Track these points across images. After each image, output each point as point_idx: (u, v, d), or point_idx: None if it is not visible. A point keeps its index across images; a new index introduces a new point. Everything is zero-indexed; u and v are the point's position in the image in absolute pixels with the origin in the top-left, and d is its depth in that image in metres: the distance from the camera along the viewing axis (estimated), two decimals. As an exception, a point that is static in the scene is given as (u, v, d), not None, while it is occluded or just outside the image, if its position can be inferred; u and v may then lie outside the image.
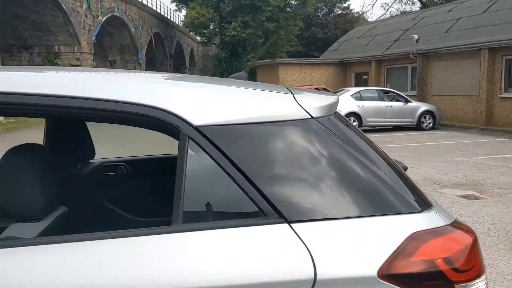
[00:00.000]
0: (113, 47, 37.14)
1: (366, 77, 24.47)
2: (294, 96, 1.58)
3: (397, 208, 1.43)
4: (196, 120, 1.45)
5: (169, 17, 48.96)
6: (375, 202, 1.44)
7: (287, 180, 1.43)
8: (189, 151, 1.43)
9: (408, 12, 40.41)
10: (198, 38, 50.54)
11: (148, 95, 1.49)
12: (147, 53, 39.88)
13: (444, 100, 19.24)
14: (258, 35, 37.91)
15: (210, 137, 1.43)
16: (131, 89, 1.53)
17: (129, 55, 37.59)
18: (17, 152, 1.71)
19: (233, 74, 2.17)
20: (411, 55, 20.57)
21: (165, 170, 2.96)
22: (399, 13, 43.65)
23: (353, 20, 49.03)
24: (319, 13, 50.62)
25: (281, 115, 1.51)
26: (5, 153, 1.69)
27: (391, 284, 1.31)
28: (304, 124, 1.51)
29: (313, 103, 1.57)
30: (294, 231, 1.35)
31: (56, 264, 1.32)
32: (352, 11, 51.85)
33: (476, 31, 18.93)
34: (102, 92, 1.49)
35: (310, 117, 1.52)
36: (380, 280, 1.31)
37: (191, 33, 49.14)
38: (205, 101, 1.52)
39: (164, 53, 46.94)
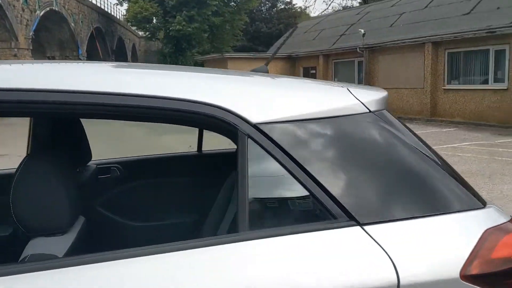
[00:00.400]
0: (51, 43, 35.53)
1: (314, 71, 24.77)
2: (349, 90, 1.51)
3: (464, 205, 1.39)
4: (254, 117, 1.35)
5: (109, 11, 47.51)
6: (442, 200, 1.39)
7: (353, 179, 1.36)
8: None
9: (351, 7, 41.26)
10: (141, 33, 49.42)
11: (201, 92, 1.37)
12: (88, 48, 38.50)
13: (391, 93, 19.49)
14: (204, 30, 37.52)
15: (270, 135, 1.34)
16: (182, 85, 1.40)
17: (69, 51, 36.10)
18: (37, 158, 1.54)
19: (254, 68, 2.07)
20: (357, 49, 21.00)
21: (162, 171, 2.82)
22: (341, 8, 44.55)
23: (296, 15, 49.64)
24: (263, 8, 50.82)
25: (340, 110, 1.43)
26: (23, 161, 1.51)
27: (473, 285, 1.26)
28: (363, 119, 1.44)
29: (368, 97, 1.50)
30: (369, 234, 1.27)
31: (131, 283, 1.18)
32: (295, 6, 52.51)
33: (419, 25, 19.58)
34: (147, 89, 1.36)
35: (368, 111, 1.45)
36: (463, 281, 1.26)
37: (133, 27, 47.99)
38: (261, 97, 1.43)
39: (106, 49, 45.51)
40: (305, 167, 1.32)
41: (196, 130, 2.68)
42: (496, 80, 16.10)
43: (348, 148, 1.40)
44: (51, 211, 1.50)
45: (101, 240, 1.44)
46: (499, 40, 15.58)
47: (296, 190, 1.33)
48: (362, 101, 1.46)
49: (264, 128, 1.34)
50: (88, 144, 2.49)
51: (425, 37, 18.11)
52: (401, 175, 1.39)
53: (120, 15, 51.21)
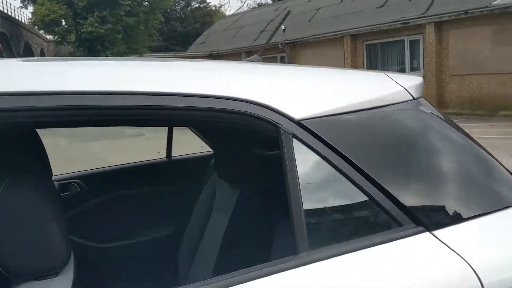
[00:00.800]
0: (-51, 50, 32.63)
1: (236, 68, 24.66)
2: (388, 75, 1.35)
3: None
4: (297, 113, 1.14)
5: (13, 15, 44.52)
6: (500, 193, 1.27)
7: (415, 177, 1.20)
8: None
9: (266, 4, 41.66)
10: (49, 37, 46.79)
11: (234, 87, 1.15)
12: (-8, 55, 35.76)
13: (314, 86, 20.14)
14: (117, 31, 36.16)
15: (317, 132, 1.14)
16: (209, 80, 1.16)
17: (-29, 59, 33.39)
18: (21, 182, 1.22)
19: (246, 58, 1.87)
20: (279, 45, 21.17)
21: (129, 182, 2.52)
22: (256, 5, 44.86)
23: (211, 13, 49.30)
24: (177, 7, 49.97)
25: (386, 98, 1.27)
26: (2, 186, 1.19)
27: None
28: (410, 107, 1.29)
29: (409, 82, 1.35)
30: (440, 240, 1.13)
31: None
32: (210, 4, 52.20)
33: (337, 19, 20.08)
34: (165, 87, 1.11)
35: (412, 98, 1.31)
36: None
37: (41, 31, 45.30)
38: (300, 89, 1.23)
39: (12, 54, 42.59)
40: (361, 167, 1.14)
41: (132, 134, 2.44)
42: (412, 68, 16.86)
43: (403, 142, 1.24)
44: (41, 246, 1.20)
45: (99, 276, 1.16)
46: (412, 31, 16.30)
47: (353, 196, 1.15)
48: (405, 87, 1.30)
49: (310, 125, 1.14)
50: (47, 157, 2.14)
51: (343, 30, 18.58)
52: (461, 169, 1.25)
53: (26, 19, 48.18)
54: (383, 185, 1.13)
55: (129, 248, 2.41)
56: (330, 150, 1.13)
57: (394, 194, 1.13)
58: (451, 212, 1.19)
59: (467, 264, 1.10)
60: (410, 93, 1.31)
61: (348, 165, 1.13)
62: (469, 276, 1.09)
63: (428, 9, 16.17)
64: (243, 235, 1.91)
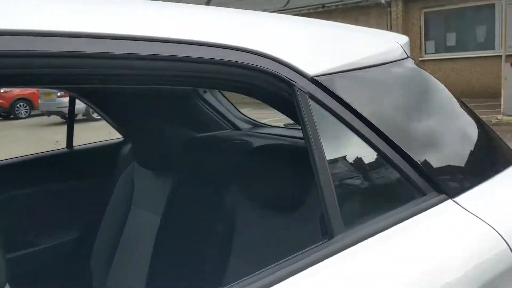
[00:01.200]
0: None
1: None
2: (386, 32, 1.33)
3: None
4: (311, 68, 0.96)
5: None
6: (503, 153, 1.28)
7: (429, 140, 1.11)
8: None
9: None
10: None
11: (243, 38, 0.92)
12: None
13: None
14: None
15: (334, 91, 0.97)
16: (215, 28, 0.91)
17: None
18: None
19: None
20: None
21: (20, 179, 2.07)
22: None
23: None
24: None
25: (388, 55, 1.17)
26: None
27: None
28: (409, 65, 1.22)
29: (402, 40, 1.27)
30: (463, 207, 1.05)
31: None
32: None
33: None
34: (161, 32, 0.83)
35: (407, 56, 1.24)
36: None
37: None
38: (309, 42, 1.05)
39: None
40: (383, 131, 1.01)
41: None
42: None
43: (415, 102, 1.15)
44: None
45: None
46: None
47: (375, 164, 1.03)
48: (401, 45, 1.23)
49: (325, 82, 0.96)
50: None
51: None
52: (467, 128, 1.21)
53: None
54: (405, 151, 1.02)
55: (27, 259, 2.00)
56: (350, 112, 0.97)
57: (415, 160, 1.02)
58: (468, 176, 1.14)
59: (492, 229, 1.04)
60: (405, 51, 1.23)
61: (369, 129, 0.99)
62: (497, 241, 1.03)
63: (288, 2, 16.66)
64: (183, 238, 1.64)
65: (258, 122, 2.30)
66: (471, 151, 1.18)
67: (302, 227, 1.18)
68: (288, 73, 0.91)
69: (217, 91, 2.17)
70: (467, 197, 1.08)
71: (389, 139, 1.00)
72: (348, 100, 0.98)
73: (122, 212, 2.01)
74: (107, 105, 2.12)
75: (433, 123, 1.14)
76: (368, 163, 1.03)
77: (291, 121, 2.10)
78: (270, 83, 0.91)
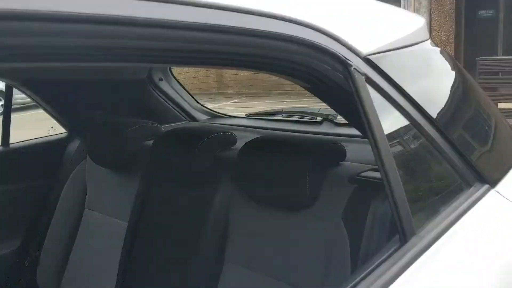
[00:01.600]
0: None
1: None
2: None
3: None
4: (363, 46, 0.84)
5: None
6: None
7: (470, 127, 1.07)
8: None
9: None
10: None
11: (289, 6, 0.77)
12: None
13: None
14: None
15: (387, 72, 0.86)
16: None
17: None
18: None
19: None
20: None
21: None
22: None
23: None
24: None
25: (419, 35, 1.09)
26: None
27: None
28: (431, 46, 1.15)
29: (423, 20, 1.19)
30: (504, 197, 1.02)
31: None
32: None
33: None
34: None
35: (429, 37, 1.17)
36: None
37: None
38: (356, 16, 0.94)
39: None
40: (434, 118, 0.92)
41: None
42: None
43: (454, 84, 1.09)
44: None
45: None
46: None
47: (428, 154, 0.96)
48: (422, 25, 1.15)
49: (378, 62, 0.85)
50: None
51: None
52: (493, 114, 1.17)
53: None
54: (452, 140, 0.95)
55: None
56: (404, 97, 0.88)
57: (461, 149, 0.96)
58: (504, 163, 1.11)
59: None
60: (427, 32, 1.17)
61: (421, 115, 0.90)
62: None
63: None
64: (163, 247, 1.48)
65: (217, 112, 2.19)
66: (500, 138, 1.16)
67: (299, 227, 1.16)
68: (343, 51, 0.78)
69: (173, 79, 2.05)
70: (503, 186, 1.05)
71: (440, 127, 0.92)
72: (401, 83, 0.88)
73: (74, 217, 1.82)
74: (51, 96, 1.91)
75: (467, 106, 1.10)
76: (424, 155, 0.97)
77: (255, 111, 2.03)
78: (323, 62, 0.76)
